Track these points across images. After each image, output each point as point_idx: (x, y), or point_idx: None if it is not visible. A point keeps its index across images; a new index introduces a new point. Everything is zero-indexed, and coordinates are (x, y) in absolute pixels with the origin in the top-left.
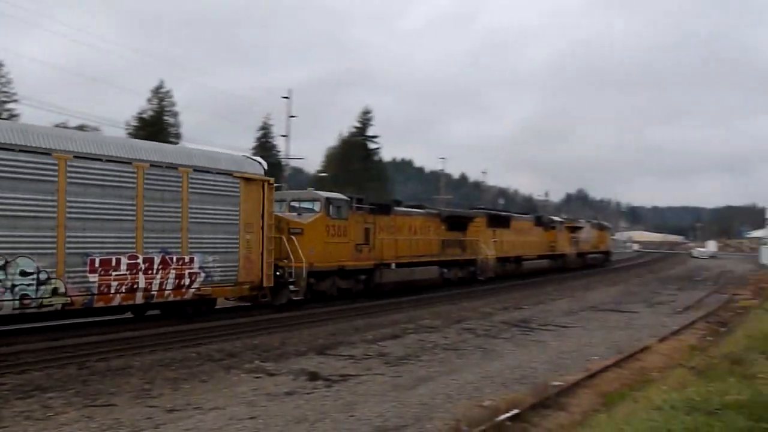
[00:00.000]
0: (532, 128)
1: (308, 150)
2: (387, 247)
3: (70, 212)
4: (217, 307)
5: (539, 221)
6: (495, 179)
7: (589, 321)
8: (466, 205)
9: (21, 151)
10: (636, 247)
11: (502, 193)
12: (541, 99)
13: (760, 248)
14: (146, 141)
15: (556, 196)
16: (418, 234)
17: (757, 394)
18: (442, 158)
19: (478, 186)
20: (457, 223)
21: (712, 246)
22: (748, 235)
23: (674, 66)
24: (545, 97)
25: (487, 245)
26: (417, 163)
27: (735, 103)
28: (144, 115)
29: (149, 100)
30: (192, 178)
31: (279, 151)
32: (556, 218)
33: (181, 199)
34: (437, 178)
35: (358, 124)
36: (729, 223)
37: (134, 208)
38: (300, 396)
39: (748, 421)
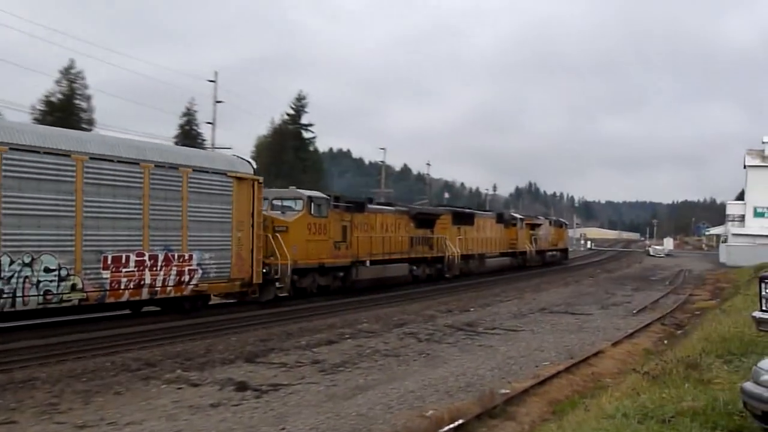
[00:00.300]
0: (479, 117)
1: (236, 139)
2: (362, 245)
3: (86, 211)
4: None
5: (501, 218)
6: (440, 171)
7: (539, 324)
8: (414, 200)
9: (45, 153)
10: (590, 245)
11: (448, 186)
12: (490, 86)
13: (719, 246)
14: (149, 141)
15: (505, 190)
16: (389, 232)
17: (712, 401)
18: (382, 149)
19: (422, 178)
20: (426, 220)
21: (668, 244)
22: (706, 232)
23: (630, 54)
24: (494, 84)
25: (453, 243)
26: (355, 154)
27: (692, 94)
28: (52, 99)
29: (58, 82)
30: (191, 178)
31: (204, 140)
32: (516, 215)
33: (181, 198)
34: (377, 170)
35: (291, 111)
36: (686, 219)
37: (141, 207)
38: (226, 408)
39: (703, 429)
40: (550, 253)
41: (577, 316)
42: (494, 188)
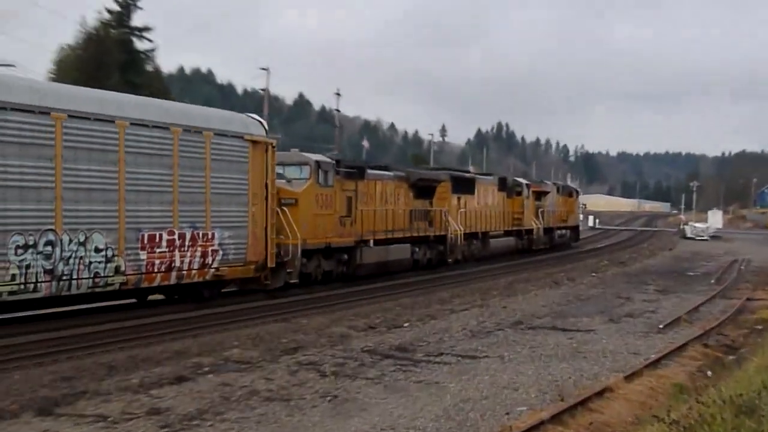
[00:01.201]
0: (418, 25)
1: (24, 52)
2: (367, 221)
3: (128, 184)
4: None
5: (503, 185)
6: (356, 107)
7: (512, 346)
8: (315, 150)
9: (96, 120)
10: (592, 221)
11: (368, 129)
12: None
13: None
14: (169, 101)
15: (461, 135)
16: (389, 203)
17: None
18: (265, 69)
19: (327, 117)
20: (425, 188)
21: (715, 219)
22: None
23: None
24: None
25: (454, 217)
26: (221, 78)
27: None
28: None
29: None
30: (213, 144)
31: None
32: (521, 180)
33: (204, 167)
34: (256, 103)
35: (114, 7)
36: (743, 180)
37: (171, 178)
38: None
39: None
40: (558, 231)
41: (572, 334)
42: (443, 132)
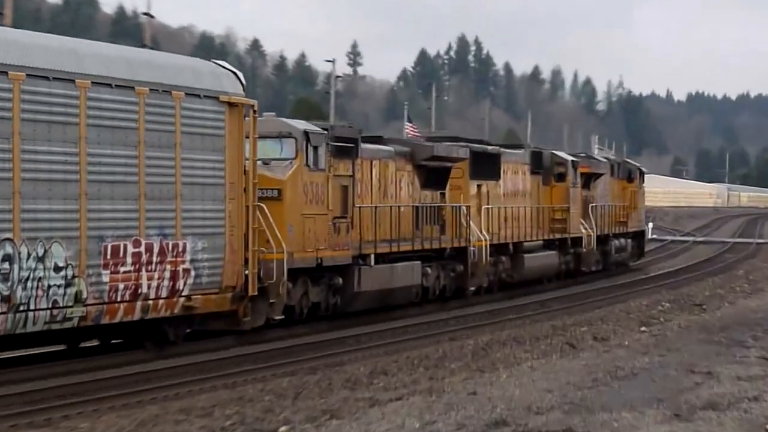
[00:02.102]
0: None
1: None
2: (365, 224)
3: (90, 172)
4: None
5: (537, 163)
6: (193, 11)
7: None
8: None
9: (55, 79)
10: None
11: (211, 49)
12: None
13: None
14: (127, 47)
15: (386, 65)
16: (390, 197)
17: None
18: None
19: (126, 26)
20: (437, 171)
21: None
22: None
23: None
24: None
25: (475, 218)
26: None
27: None
28: None
29: None
30: (184, 109)
31: None
32: (564, 155)
33: (174, 144)
34: None
35: None
36: None
37: (136, 161)
38: None
39: None
40: (616, 242)
41: None
42: (354, 58)
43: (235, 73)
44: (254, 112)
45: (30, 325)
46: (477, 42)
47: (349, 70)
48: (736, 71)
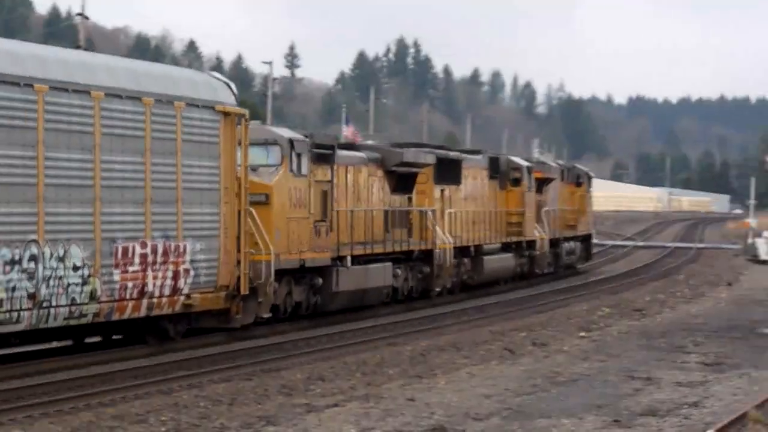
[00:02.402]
0: None
1: None
2: (343, 227)
3: (103, 178)
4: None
5: (495, 169)
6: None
7: None
8: None
9: (74, 91)
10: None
11: (147, 51)
12: None
13: None
14: (132, 60)
15: (326, 67)
16: (363, 201)
17: None
18: None
19: (60, 27)
20: (406, 176)
21: None
22: None
23: None
24: None
25: (440, 222)
26: None
27: None
28: None
29: None
30: (184, 118)
31: None
32: (519, 161)
33: (175, 151)
34: None
35: None
36: None
37: (143, 168)
38: None
39: None
40: (566, 245)
41: None
42: (292, 60)
43: (228, 84)
44: (245, 120)
45: (51, 321)
46: (416, 44)
47: (286, 72)
48: (677, 75)
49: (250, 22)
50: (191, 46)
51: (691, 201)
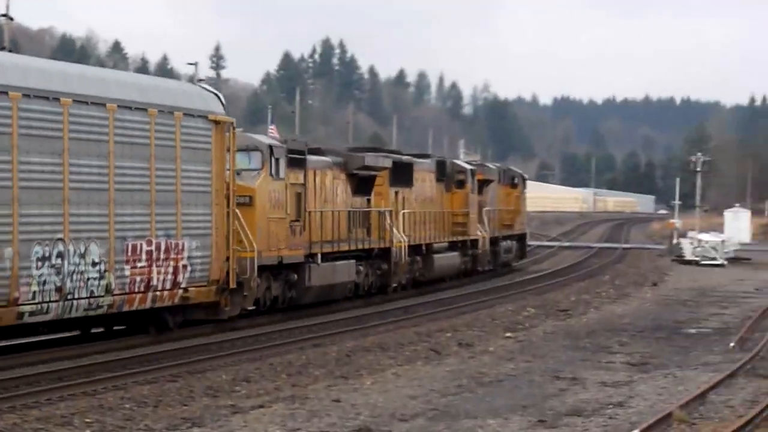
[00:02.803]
0: None
1: None
2: (314, 227)
3: (116, 182)
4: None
5: (442, 171)
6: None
7: None
8: None
9: (92, 104)
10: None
11: (72, 51)
12: None
13: None
14: (138, 74)
15: (251, 68)
16: (330, 201)
17: None
18: None
19: None
20: (366, 179)
21: (738, 225)
22: None
23: None
24: None
25: (396, 221)
26: None
27: None
28: None
29: None
30: (183, 127)
31: None
32: (463, 163)
33: (175, 157)
34: None
35: None
36: None
37: (148, 172)
38: None
39: None
40: (504, 243)
41: None
42: (217, 61)
43: (217, 95)
44: (233, 128)
45: (74, 312)
46: (341, 45)
47: (212, 73)
48: (602, 76)
49: (176, 23)
50: (116, 47)
51: (616, 201)
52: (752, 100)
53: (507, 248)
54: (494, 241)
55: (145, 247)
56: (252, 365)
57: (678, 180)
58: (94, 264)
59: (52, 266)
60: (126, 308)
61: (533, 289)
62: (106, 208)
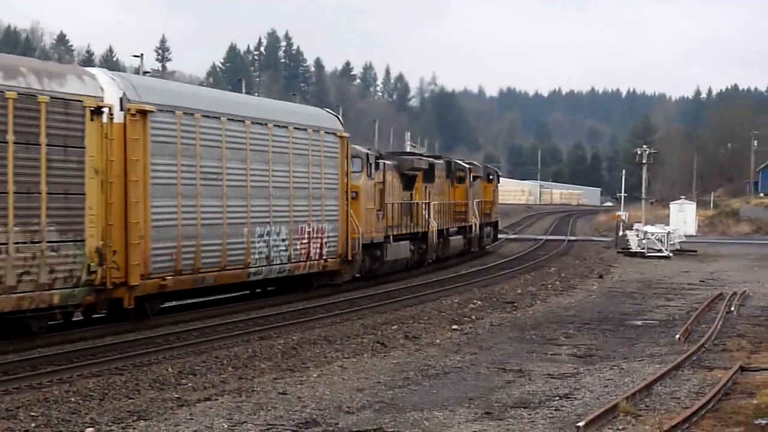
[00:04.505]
0: None
1: None
2: (389, 214)
3: (294, 183)
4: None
5: (449, 170)
6: None
7: None
8: None
9: (278, 126)
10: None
11: (16, 44)
12: None
13: None
14: (296, 104)
15: (198, 59)
16: (394, 196)
17: None
18: None
19: None
20: (411, 178)
21: (684, 217)
22: None
23: None
24: None
25: (428, 211)
26: None
27: None
28: None
29: None
30: (325, 141)
31: None
32: (463, 163)
33: (320, 163)
34: None
35: None
36: (730, 145)
37: (307, 175)
38: None
39: None
40: (486, 228)
41: None
42: (163, 53)
43: (338, 117)
44: (348, 141)
45: (272, 274)
46: (287, 37)
47: (157, 66)
48: (547, 68)
49: (121, 14)
50: (61, 39)
51: (562, 194)
52: (698, 92)
53: (487, 233)
54: (480, 227)
55: (306, 229)
56: (198, 358)
57: (624, 172)
58: (282, 240)
59: (264, 241)
60: (296, 273)
61: (479, 281)
62: (287, 201)
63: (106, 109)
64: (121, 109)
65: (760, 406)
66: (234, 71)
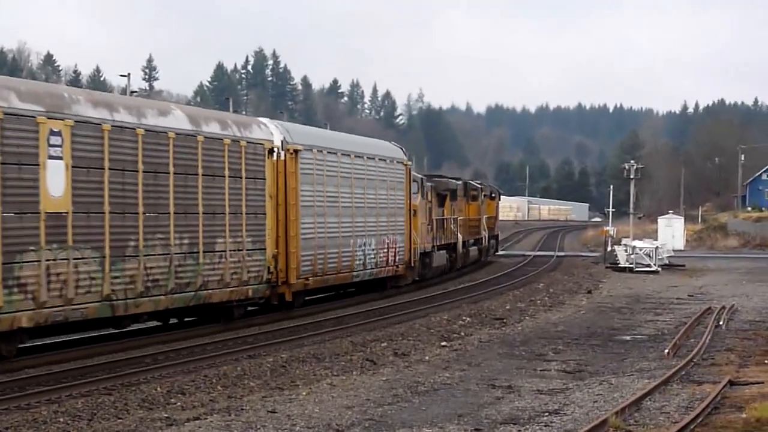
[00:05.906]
0: None
1: None
2: (434, 228)
3: (380, 203)
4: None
5: (466, 190)
6: None
7: None
8: None
9: (380, 159)
10: None
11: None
12: None
13: None
14: (375, 139)
15: (184, 78)
16: (435, 213)
17: None
18: None
19: None
20: (443, 197)
21: (672, 232)
22: None
23: None
24: None
25: (456, 225)
26: None
27: None
28: None
29: None
30: (397, 169)
31: None
32: (477, 184)
33: (393, 187)
34: None
35: None
36: (718, 159)
37: (386, 196)
38: None
39: None
40: (491, 241)
41: None
42: (150, 72)
43: (401, 148)
44: (410, 168)
45: (366, 276)
46: (275, 55)
47: (145, 85)
48: (534, 84)
49: (108, 34)
50: (48, 59)
51: (550, 209)
52: (684, 107)
53: (492, 245)
54: (488, 239)
55: (386, 241)
56: (187, 377)
57: (611, 187)
58: (372, 250)
59: (362, 250)
60: (379, 276)
61: (468, 298)
62: (375, 218)
63: (276, 149)
64: (282, 149)
65: (749, 420)
66: (221, 89)
